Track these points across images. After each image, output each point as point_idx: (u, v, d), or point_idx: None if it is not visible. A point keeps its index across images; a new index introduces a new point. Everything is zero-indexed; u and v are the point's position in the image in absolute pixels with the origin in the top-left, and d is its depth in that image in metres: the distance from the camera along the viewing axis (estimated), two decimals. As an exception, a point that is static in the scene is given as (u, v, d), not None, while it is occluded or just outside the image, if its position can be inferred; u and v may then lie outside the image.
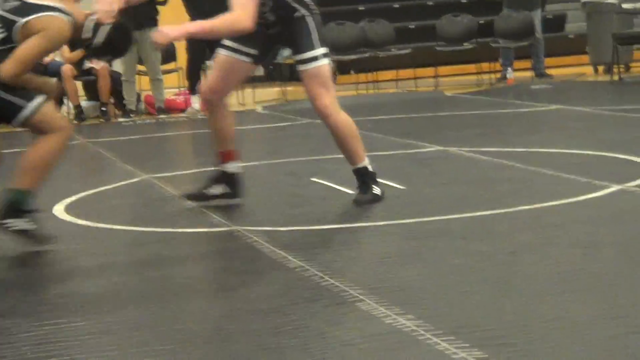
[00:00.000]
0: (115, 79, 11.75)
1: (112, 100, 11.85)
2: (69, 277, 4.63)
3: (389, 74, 13.90)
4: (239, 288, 4.07)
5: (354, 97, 12.90)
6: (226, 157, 5.72)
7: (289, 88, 13.22)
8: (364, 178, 5.42)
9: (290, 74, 14.14)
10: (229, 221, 5.39)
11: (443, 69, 13.74)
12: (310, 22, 5.36)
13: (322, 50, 5.35)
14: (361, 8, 14.79)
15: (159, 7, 11.57)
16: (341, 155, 5.99)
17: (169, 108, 11.85)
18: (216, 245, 5.11)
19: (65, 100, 11.88)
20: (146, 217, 6.03)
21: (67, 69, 11.27)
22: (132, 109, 11.66)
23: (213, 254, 5.00)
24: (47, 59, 11.91)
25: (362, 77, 13.81)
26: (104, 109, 11.61)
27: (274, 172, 7.39)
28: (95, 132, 11.07)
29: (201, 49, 11.83)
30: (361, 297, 3.79)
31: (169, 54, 12.51)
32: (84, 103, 11.82)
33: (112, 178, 7.89)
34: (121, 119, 11.58)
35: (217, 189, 5.69)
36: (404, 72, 13.87)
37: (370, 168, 5.48)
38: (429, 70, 13.59)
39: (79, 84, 11.83)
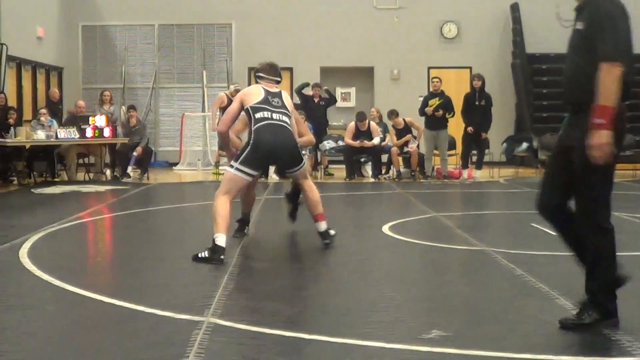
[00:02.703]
0: (421, 156, 15.93)
1: (417, 169, 15.89)
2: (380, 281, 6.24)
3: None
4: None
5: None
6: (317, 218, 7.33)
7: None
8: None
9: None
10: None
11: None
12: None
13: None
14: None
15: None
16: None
17: (450, 176, 15.63)
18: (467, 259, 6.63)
19: (391, 167, 16.07)
20: (433, 236, 7.81)
21: (394, 150, 15.95)
22: (428, 174, 15.67)
23: (468, 264, 6.53)
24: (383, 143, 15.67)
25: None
26: (412, 173, 15.85)
27: None
28: (404, 186, 13.95)
29: (469, 141, 15.41)
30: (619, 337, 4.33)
31: (450, 145, 16.11)
32: (402, 169, 16.08)
33: (414, 213, 9.93)
34: (422, 180, 15.48)
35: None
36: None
37: (217, 241, 6.61)
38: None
39: (401, 159, 15.97)
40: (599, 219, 4.57)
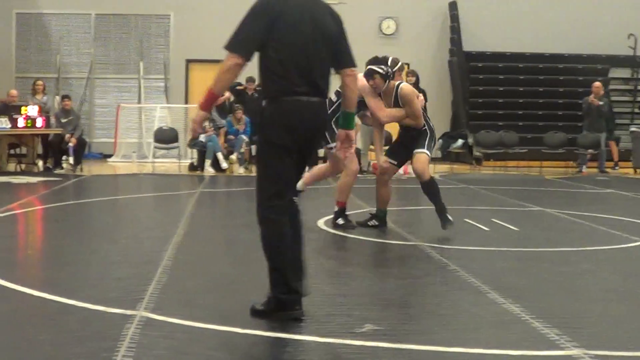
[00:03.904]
0: (357, 151, 14.69)
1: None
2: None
3: (513, 163, 18.37)
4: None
5: (492, 174, 16.67)
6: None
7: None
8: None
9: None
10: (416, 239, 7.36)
11: (545, 163, 18.01)
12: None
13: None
14: (500, 123, 19.42)
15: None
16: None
17: (386, 171, 16.10)
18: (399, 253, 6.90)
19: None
20: (368, 231, 8.04)
21: (332, 144, 17.15)
22: (364, 169, 15.66)
23: (402, 259, 6.64)
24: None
25: (498, 163, 18.24)
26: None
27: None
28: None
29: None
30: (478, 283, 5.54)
31: (386, 140, 14.76)
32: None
33: (349, 207, 9.54)
34: (359, 175, 13.65)
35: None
36: (522, 162, 18.40)
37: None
38: (537, 163, 18.05)
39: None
40: (262, 210, 4.61)
